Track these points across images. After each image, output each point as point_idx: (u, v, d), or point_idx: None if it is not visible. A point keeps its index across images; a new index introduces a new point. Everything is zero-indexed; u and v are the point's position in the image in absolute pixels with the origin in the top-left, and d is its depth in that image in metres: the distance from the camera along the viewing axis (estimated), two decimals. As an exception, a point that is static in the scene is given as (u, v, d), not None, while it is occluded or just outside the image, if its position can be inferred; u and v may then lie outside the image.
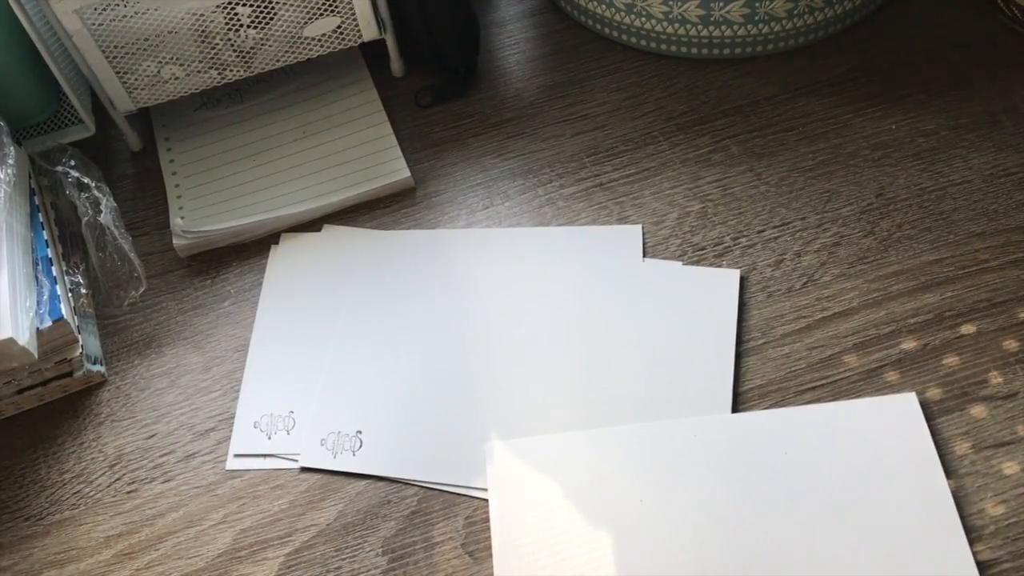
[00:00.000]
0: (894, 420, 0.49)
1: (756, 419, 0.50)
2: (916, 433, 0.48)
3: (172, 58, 0.62)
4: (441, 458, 0.52)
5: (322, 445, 0.53)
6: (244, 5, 0.61)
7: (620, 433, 0.51)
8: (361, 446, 0.53)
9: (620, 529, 0.47)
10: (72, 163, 0.63)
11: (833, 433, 0.49)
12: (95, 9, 0.58)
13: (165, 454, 0.54)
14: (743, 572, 0.45)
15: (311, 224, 0.63)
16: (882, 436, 0.48)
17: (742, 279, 0.57)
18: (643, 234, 0.59)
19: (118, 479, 0.54)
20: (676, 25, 0.66)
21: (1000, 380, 0.51)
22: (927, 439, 0.48)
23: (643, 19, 0.67)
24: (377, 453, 0.52)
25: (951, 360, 0.52)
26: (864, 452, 0.48)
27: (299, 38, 0.64)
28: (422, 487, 0.51)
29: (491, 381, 0.54)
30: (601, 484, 0.49)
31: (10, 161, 0.58)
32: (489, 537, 0.49)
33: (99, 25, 0.59)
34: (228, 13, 0.61)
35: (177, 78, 0.64)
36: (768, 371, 0.53)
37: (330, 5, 0.63)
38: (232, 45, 0.63)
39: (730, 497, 0.47)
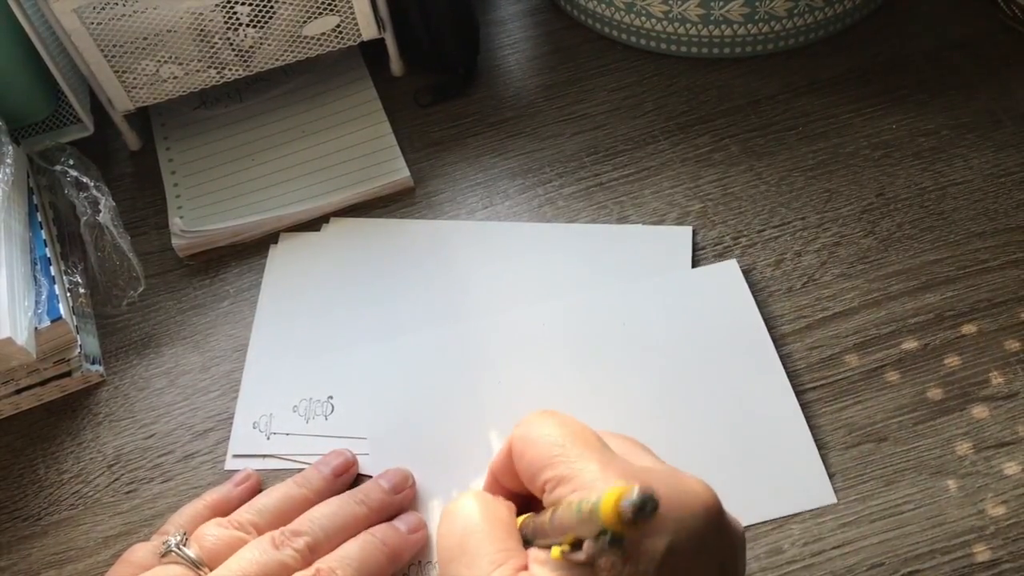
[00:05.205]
0: (721, 285, 0.55)
1: (591, 296, 0.56)
2: (741, 295, 0.55)
3: (171, 57, 0.62)
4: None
5: (321, 445, 0.53)
6: (243, 4, 0.61)
7: (475, 327, 0.56)
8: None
9: (482, 403, 0.53)
10: (71, 162, 0.62)
11: (665, 302, 0.55)
12: (94, 8, 0.58)
13: (164, 454, 0.54)
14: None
15: (310, 223, 0.63)
16: (710, 300, 0.55)
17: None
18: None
19: (117, 479, 0.53)
20: (676, 24, 0.66)
21: (1001, 380, 0.51)
22: (749, 298, 0.54)
23: (643, 18, 0.67)
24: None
25: (952, 360, 0.52)
26: (695, 315, 0.54)
27: (298, 37, 0.64)
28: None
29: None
30: (467, 372, 0.54)
31: (8, 160, 0.57)
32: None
33: (97, 24, 0.59)
34: (227, 12, 0.61)
35: (176, 77, 0.64)
36: (768, 371, 0.53)
37: (329, 4, 0.63)
38: (231, 44, 0.63)
39: (577, 367, 0.53)
